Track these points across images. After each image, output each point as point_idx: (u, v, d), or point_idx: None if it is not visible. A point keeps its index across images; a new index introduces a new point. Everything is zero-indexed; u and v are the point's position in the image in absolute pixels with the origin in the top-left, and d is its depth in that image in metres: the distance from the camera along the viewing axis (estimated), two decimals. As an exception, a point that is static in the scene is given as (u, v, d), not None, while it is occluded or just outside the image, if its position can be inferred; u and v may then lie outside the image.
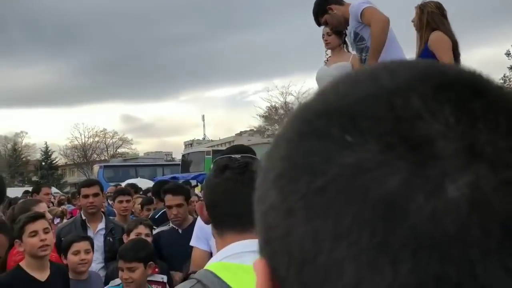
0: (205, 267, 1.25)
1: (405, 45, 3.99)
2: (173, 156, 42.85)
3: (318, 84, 4.09)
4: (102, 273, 3.37)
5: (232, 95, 75.09)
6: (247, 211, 1.27)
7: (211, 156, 18.10)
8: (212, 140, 59.82)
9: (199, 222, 2.64)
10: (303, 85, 57.25)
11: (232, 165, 1.26)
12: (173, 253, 3.36)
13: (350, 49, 4.01)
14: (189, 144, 56.69)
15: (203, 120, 59.04)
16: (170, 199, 3.46)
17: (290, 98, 38.70)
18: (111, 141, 45.37)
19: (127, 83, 65.27)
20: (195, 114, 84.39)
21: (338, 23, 3.61)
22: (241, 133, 67.06)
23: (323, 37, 4.03)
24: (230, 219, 1.26)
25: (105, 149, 44.75)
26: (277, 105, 39.59)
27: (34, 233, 2.57)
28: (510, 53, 32.37)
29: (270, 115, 40.74)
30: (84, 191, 3.73)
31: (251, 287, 1.17)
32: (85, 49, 61.81)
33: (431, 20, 3.80)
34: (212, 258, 1.31)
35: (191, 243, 2.69)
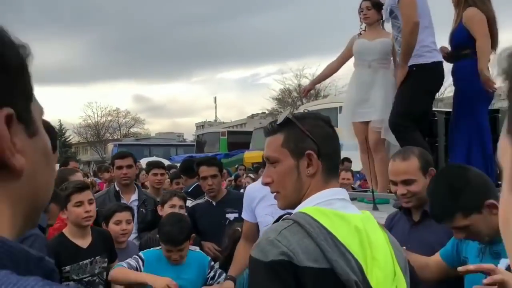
0: (300, 210, 1.26)
1: (444, 22, 3.93)
2: (185, 137, 43.01)
3: (357, 56, 3.97)
4: (136, 243, 3.40)
5: (245, 77, 74.87)
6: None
7: (226, 137, 18.15)
8: (223, 123, 59.76)
9: (246, 194, 2.64)
10: (318, 68, 56.95)
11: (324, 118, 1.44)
12: (208, 225, 3.38)
13: (385, 25, 3.97)
14: (200, 125, 56.71)
15: (215, 102, 58.71)
16: (204, 170, 3.47)
17: (304, 81, 38.43)
18: (123, 120, 45.60)
19: (140, 63, 65.39)
20: (206, 96, 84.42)
21: None
22: (253, 116, 66.90)
23: (360, 12, 3.96)
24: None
25: (118, 128, 45.01)
26: (290, 88, 39.36)
27: (80, 203, 2.60)
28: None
29: (284, 98, 40.56)
30: (118, 162, 3.75)
31: (345, 232, 1.17)
32: (98, 29, 61.85)
33: None
34: (304, 203, 1.32)
35: (242, 215, 2.70)
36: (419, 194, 2.14)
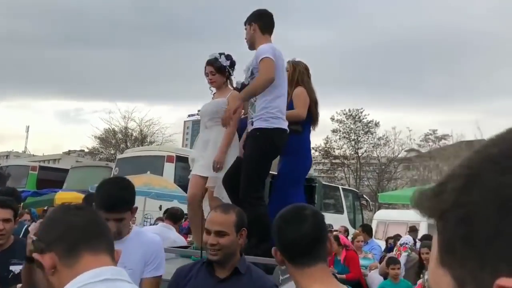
0: None
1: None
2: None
3: (201, 118, 4.14)
4: None
5: (67, 110, 69.87)
6: None
7: (36, 172, 16.38)
8: (34, 155, 54.40)
9: None
10: (147, 113, 56.38)
11: None
12: None
13: (234, 83, 4.15)
14: (4, 155, 50.67)
15: (27, 132, 53.36)
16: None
17: (131, 124, 37.50)
18: None
19: None
20: (18, 124, 75.97)
21: (248, 40, 3.76)
22: (69, 152, 62.25)
23: (206, 75, 4.07)
24: None
25: None
26: (116, 129, 37.90)
27: None
28: (334, 118, 37.23)
29: (107, 138, 38.79)
30: None
31: None
32: None
33: (300, 78, 4.17)
34: None
35: None
36: (228, 249, 2.23)
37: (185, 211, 10.80)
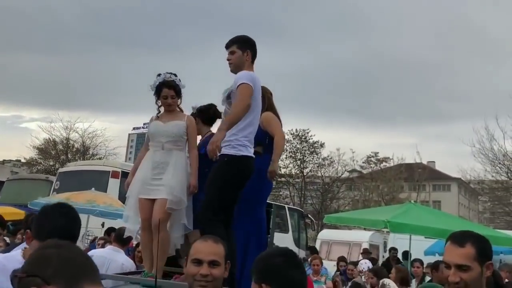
0: None
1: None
2: None
3: (151, 137, 4.04)
4: None
5: (3, 116, 66.40)
6: None
7: (-34, 184, 15.36)
8: (-37, 164, 51.18)
9: None
10: (92, 124, 54.60)
11: None
12: None
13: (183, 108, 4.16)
14: None
15: (-42, 139, 50.46)
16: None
17: (73, 135, 36.18)
18: None
19: None
20: None
21: (235, 66, 3.73)
22: (3, 162, 59.05)
23: (164, 98, 4.03)
24: None
25: None
26: (57, 140, 36.39)
27: None
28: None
29: (47, 149, 37.16)
30: None
31: None
32: None
33: (268, 103, 4.24)
34: None
35: None
36: (218, 281, 2.18)
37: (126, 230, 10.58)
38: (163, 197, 3.78)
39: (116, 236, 5.02)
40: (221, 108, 4.06)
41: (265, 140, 4.11)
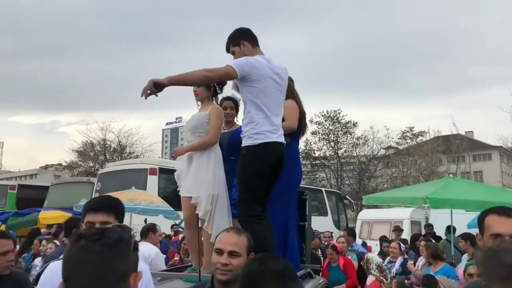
0: None
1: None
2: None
3: (184, 132, 4.11)
4: None
5: (42, 123, 68.58)
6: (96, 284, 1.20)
7: (15, 191, 16.07)
8: (10, 171, 53.36)
9: (44, 281, 2.31)
10: (126, 123, 55.58)
11: (86, 233, 1.28)
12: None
13: (219, 100, 4.18)
14: (-21, 173, 49.33)
15: (2, 148, 52.20)
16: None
17: (110, 136, 37.08)
18: None
19: None
20: (-9, 140, 74.14)
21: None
22: (46, 167, 61.06)
23: (194, 89, 4.09)
24: None
25: None
26: (94, 141, 37.43)
27: None
28: (312, 120, 37.54)
29: (86, 151, 38.30)
30: None
31: None
32: None
33: (290, 91, 4.23)
34: None
35: None
36: (238, 271, 2.22)
37: (168, 225, 10.82)
38: (187, 195, 3.83)
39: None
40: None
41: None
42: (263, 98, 3.50)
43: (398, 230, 11.31)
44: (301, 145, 37.99)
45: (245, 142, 3.50)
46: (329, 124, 38.72)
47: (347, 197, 20.72)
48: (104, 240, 1.24)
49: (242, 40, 3.67)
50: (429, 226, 11.61)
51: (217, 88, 4.10)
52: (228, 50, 3.75)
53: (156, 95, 3.16)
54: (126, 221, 4.10)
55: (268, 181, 3.52)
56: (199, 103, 4.13)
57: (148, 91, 3.08)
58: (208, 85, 3.98)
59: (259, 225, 3.37)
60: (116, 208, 2.30)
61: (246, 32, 3.74)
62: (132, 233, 1.38)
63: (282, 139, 3.59)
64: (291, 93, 4.24)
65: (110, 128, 36.46)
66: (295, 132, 4.20)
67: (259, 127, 3.47)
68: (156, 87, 3.11)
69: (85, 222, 2.23)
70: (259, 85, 3.47)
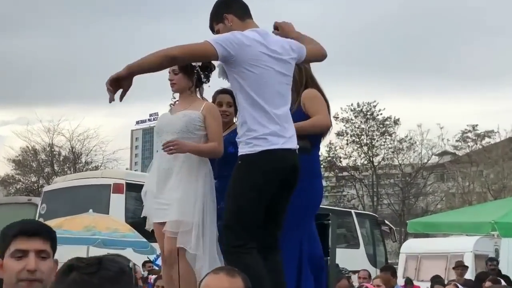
0: None
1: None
2: None
3: (156, 135, 4.16)
4: None
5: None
6: None
7: None
8: None
9: None
10: (81, 122, 55.69)
11: (78, 264, 1.37)
12: None
13: (203, 92, 4.20)
14: None
15: None
16: None
17: (59, 139, 37.12)
18: None
19: None
20: None
21: None
22: (-29, 183, 61.24)
23: (169, 74, 4.10)
24: None
25: None
26: (38, 147, 37.49)
27: None
28: (338, 117, 37.55)
29: (26, 161, 38.40)
30: None
31: None
32: None
33: (310, 80, 4.24)
34: None
35: None
36: None
37: (139, 261, 10.82)
38: (161, 220, 3.90)
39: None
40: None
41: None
42: (259, 87, 3.50)
43: (460, 267, 11.28)
44: (322, 150, 38.03)
45: (241, 150, 3.52)
46: (361, 122, 38.82)
47: (386, 222, 20.67)
48: (103, 273, 1.31)
49: (224, 13, 3.70)
50: (492, 260, 11.56)
51: (202, 76, 4.12)
52: (213, 30, 3.79)
53: (122, 95, 3.28)
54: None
55: (273, 202, 3.52)
56: (176, 95, 4.16)
57: (111, 93, 3.20)
58: (188, 70, 4.02)
59: (248, 256, 3.38)
60: (52, 234, 2.35)
61: (228, 2, 3.78)
62: (131, 264, 1.45)
63: (292, 143, 3.56)
64: (310, 79, 4.28)
65: (59, 129, 36.54)
66: (315, 136, 4.20)
67: (259, 128, 3.47)
68: (117, 82, 3.21)
69: (13, 251, 2.24)
70: (253, 70, 3.47)
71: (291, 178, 3.54)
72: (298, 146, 3.63)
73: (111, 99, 3.24)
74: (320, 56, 3.96)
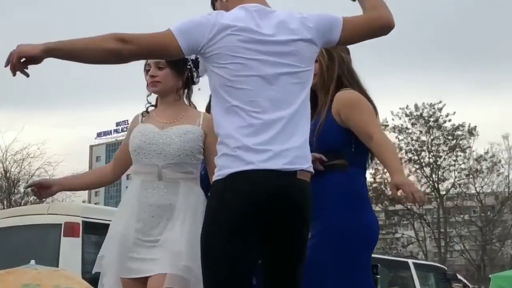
0: None
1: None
2: None
3: (135, 155, 4.11)
4: None
5: None
6: None
7: None
8: None
9: None
10: (17, 136, 56.20)
11: None
12: None
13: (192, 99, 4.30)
14: None
15: None
16: None
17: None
18: None
19: None
20: None
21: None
22: None
23: (146, 70, 4.14)
24: None
25: None
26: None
27: None
28: (388, 124, 37.76)
29: None
30: None
31: None
32: None
33: (348, 74, 4.26)
34: None
35: None
36: None
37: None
38: (163, 271, 3.92)
39: None
40: None
41: (350, 145, 4.12)
42: (240, 85, 3.44)
43: None
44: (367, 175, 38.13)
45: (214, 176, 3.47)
46: (421, 132, 38.87)
47: (459, 276, 20.67)
48: None
49: None
50: None
51: (195, 74, 4.21)
52: (214, 7, 3.88)
53: (27, 75, 3.33)
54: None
55: (271, 252, 3.40)
56: (152, 97, 4.26)
57: (14, 66, 3.23)
58: (179, 65, 4.12)
59: None
60: None
61: None
62: None
63: (282, 161, 3.38)
64: (348, 74, 4.31)
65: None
66: (353, 152, 4.20)
67: (230, 141, 3.40)
68: (25, 59, 3.26)
69: None
70: (233, 62, 3.44)
71: (275, 213, 3.33)
72: (301, 167, 3.50)
73: (15, 71, 3.25)
74: (380, 26, 3.62)
